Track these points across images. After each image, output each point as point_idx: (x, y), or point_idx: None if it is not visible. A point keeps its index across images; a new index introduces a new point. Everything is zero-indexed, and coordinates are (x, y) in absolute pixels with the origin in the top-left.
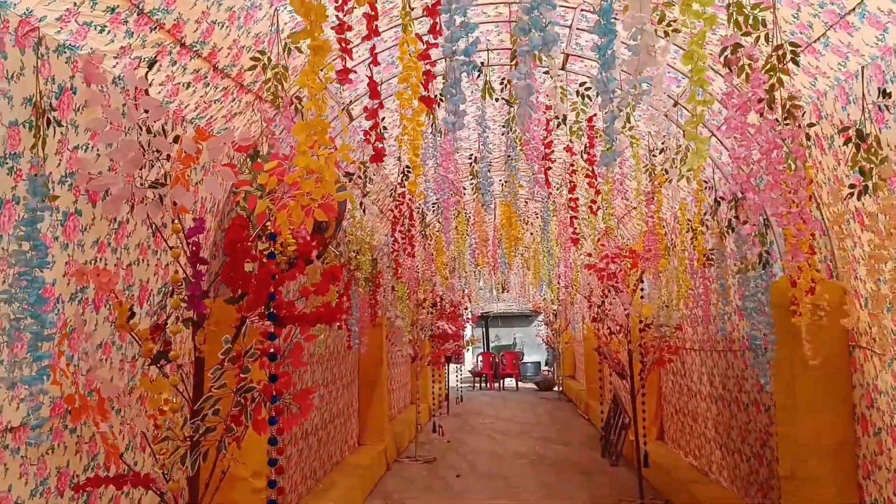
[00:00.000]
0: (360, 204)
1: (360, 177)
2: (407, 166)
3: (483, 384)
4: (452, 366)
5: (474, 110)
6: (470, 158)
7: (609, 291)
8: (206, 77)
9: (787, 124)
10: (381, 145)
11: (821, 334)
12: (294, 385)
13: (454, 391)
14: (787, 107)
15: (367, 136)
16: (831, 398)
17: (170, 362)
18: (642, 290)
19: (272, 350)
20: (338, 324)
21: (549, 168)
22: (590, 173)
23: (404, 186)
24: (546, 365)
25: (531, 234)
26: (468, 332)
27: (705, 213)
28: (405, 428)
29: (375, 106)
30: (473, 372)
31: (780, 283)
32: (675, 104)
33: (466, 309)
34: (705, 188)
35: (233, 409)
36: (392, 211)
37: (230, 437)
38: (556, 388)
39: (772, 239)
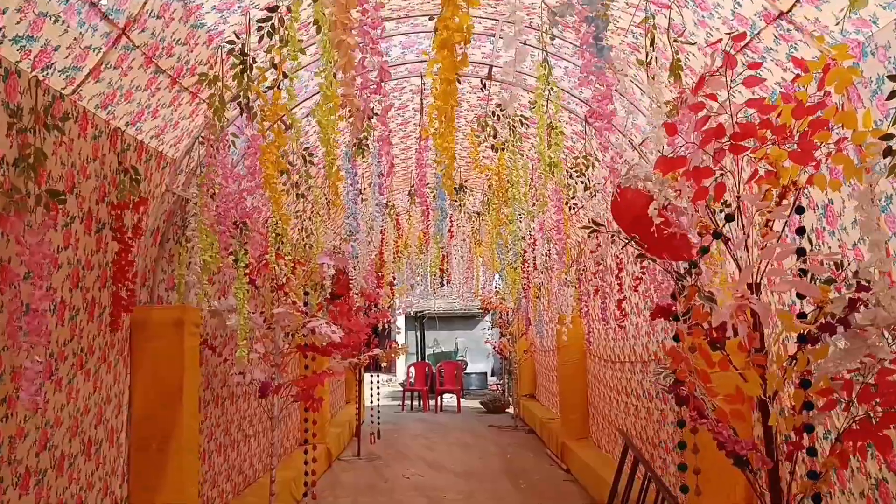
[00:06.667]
0: None
1: None
2: None
3: (417, 402)
4: (375, 377)
5: None
6: None
7: (716, 221)
8: None
9: None
10: None
11: None
12: None
13: (371, 421)
14: None
15: None
16: None
17: None
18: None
19: None
20: None
21: None
22: None
23: None
24: (493, 375)
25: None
26: (401, 337)
27: None
28: None
29: None
30: (405, 387)
31: None
32: None
33: (376, 304)
34: None
35: None
36: None
37: None
38: (508, 411)
39: None
